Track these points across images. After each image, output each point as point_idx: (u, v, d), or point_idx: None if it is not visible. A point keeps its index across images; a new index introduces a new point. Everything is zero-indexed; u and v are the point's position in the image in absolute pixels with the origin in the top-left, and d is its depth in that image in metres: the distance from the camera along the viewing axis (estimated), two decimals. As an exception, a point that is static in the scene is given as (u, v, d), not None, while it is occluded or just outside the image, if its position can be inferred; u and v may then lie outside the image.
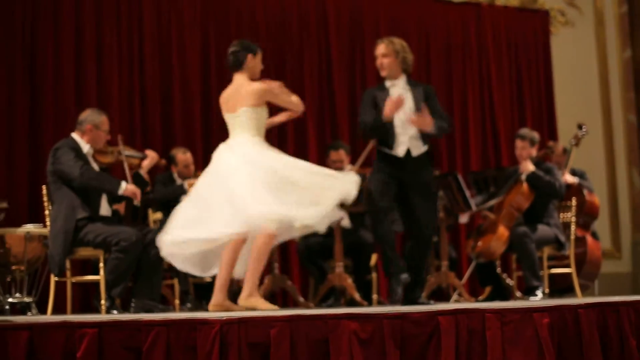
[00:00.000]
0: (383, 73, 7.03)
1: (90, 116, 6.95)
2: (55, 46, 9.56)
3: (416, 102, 6.92)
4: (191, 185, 8.29)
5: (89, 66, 9.64)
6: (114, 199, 6.98)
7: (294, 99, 6.62)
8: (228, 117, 6.44)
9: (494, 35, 11.63)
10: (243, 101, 6.32)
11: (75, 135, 6.88)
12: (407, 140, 6.89)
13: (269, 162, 6.19)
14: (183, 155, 8.81)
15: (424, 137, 6.93)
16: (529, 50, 11.81)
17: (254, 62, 6.50)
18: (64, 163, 6.64)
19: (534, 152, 8.23)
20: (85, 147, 6.86)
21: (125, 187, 6.77)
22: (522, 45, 11.73)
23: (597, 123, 11.99)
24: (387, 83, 7.04)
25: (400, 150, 6.89)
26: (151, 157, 7.29)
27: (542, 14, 12.03)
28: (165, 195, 8.47)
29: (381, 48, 7.03)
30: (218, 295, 6.13)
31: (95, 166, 6.92)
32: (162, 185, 8.63)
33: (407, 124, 6.85)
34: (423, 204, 6.93)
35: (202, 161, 9.58)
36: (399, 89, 6.96)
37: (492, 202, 8.25)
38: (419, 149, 6.93)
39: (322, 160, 9.92)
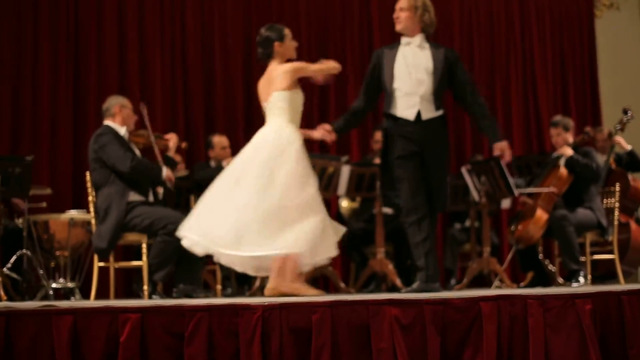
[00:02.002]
0: (398, 27, 6.55)
1: (113, 100, 7.05)
2: (98, 36, 9.64)
3: (435, 63, 6.44)
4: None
5: (132, 55, 9.72)
6: (154, 183, 7.04)
7: (327, 64, 6.48)
8: (264, 106, 6.44)
9: (537, 18, 11.53)
10: (274, 86, 6.30)
11: (108, 122, 6.93)
12: (418, 101, 6.42)
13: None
14: (219, 138, 8.85)
15: (437, 100, 6.48)
16: (573, 33, 11.70)
17: (283, 47, 6.44)
18: (112, 155, 6.68)
19: (569, 137, 8.19)
20: (122, 131, 6.91)
21: (165, 173, 6.84)
22: (566, 28, 11.62)
23: (642, 107, 11.88)
24: (403, 40, 6.54)
25: (410, 113, 6.41)
26: (172, 139, 7.32)
27: (587, -3, 11.94)
28: (205, 177, 8.51)
29: (402, 1, 6.58)
30: (274, 279, 6.03)
31: (136, 150, 6.97)
32: (200, 170, 8.68)
33: (418, 84, 6.41)
34: (437, 177, 6.54)
35: (243, 146, 9.63)
36: (413, 47, 6.53)
37: (532, 190, 8.20)
38: (431, 112, 6.45)
39: (364, 140, 9.95)
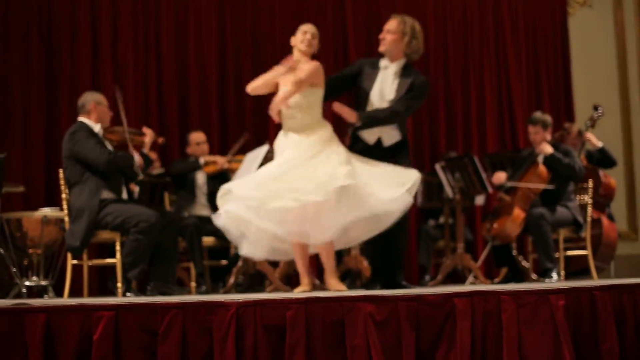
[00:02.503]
0: (381, 48, 6.61)
1: (89, 96, 6.99)
2: (72, 29, 9.59)
3: (397, 93, 6.52)
4: (208, 161, 8.35)
5: (105, 52, 9.67)
6: (127, 179, 7.01)
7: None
8: None
9: (511, 15, 11.56)
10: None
11: (83, 119, 6.89)
12: (380, 130, 6.54)
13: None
14: (195, 134, 8.84)
15: (401, 125, 6.57)
16: (546, 30, 11.74)
17: (295, 41, 6.73)
18: (88, 150, 6.64)
19: (548, 135, 8.20)
20: (97, 128, 6.87)
21: (137, 160, 6.82)
22: (540, 25, 11.66)
23: (614, 104, 11.92)
24: (382, 62, 6.63)
25: (371, 138, 6.57)
26: (149, 134, 7.28)
27: (560, -5, 11.99)
28: (181, 169, 8.51)
29: (391, 24, 6.63)
30: (305, 278, 6.32)
31: (109, 145, 6.94)
32: (176, 164, 8.68)
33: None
34: None
35: (218, 144, 9.62)
36: (390, 73, 6.57)
37: (509, 184, 8.22)
38: (392, 138, 6.58)
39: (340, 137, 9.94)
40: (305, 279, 6.34)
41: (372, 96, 6.54)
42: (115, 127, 7.12)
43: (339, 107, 6.47)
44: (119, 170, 6.77)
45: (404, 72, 6.57)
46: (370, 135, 6.55)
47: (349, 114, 6.44)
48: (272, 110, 6.33)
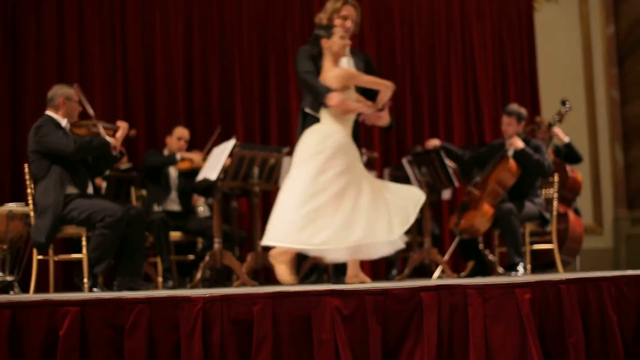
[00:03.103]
0: (346, 36, 6.45)
1: (59, 90, 6.90)
2: (37, 23, 9.53)
3: (358, 70, 6.51)
4: (185, 157, 8.32)
5: (71, 43, 9.61)
6: (95, 172, 6.95)
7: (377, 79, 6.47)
8: None
9: (477, 10, 11.61)
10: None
11: (50, 113, 6.83)
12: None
13: None
14: (182, 129, 8.80)
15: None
16: (512, 26, 11.79)
17: (329, 43, 6.43)
18: (55, 140, 6.58)
19: (520, 129, 8.23)
20: (63, 122, 6.81)
21: (110, 141, 6.74)
22: (506, 21, 11.71)
23: (580, 99, 12.01)
24: None
25: (347, 125, 6.38)
26: (123, 127, 7.22)
27: (526, -10, 12.04)
28: (157, 162, 8.46)
29: (353, 12, 6.66)
30: (352, 268, 6.37)
31: None
32: (152, 156, 8.62)
33: (349, 92, 6.36)
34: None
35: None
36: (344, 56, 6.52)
37: (477, 178, 8.25)
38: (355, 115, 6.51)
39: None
40: (353, 268, 6.44)
41: None
42: (83, 120, 7.06)
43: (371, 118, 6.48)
44: (93, 156, 6.71)
45: (352, 50, 6.58)
46: (346, 120, 6.39)
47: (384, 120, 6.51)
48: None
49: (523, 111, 8.34)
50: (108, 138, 6.75)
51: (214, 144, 8.57)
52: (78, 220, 6.53)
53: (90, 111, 6.98)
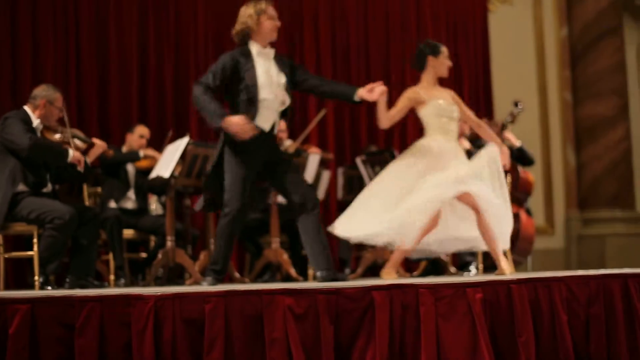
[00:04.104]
0: (274, 36, 6.43)
1: (45, 91, 6.81)
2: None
3: (285, 78, 6.43)
4: (147, 155, 8.27)
5: (24, 42, 9.53)
6: (57, 179, 6.88)
7: None
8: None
9: (432, 11, 11.66)
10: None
11: (27, 108, 6.75)
12: (274, 115, 6.39)
13: None
14: (143, 127, 8.73)
15: (283, 112, 6.49)
16: (467, 27, 11.86)
17: (436, 62, 6.89)
18: (13, 133, 6.48)
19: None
20: (36, 122, 6.71)
21: (72, 154, 6.64)
22: (461, 22, 11.78)
23: (533, 100, 12.11)
24: (257, 49, 6.39)
25: (267, 125, 6.35)
26: (98, 145, 7.16)
27: (481, -8, 12.11)
28: (120, 158, 8.39)
29: (273, 10, 6.49)
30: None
31: None
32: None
33: (277, 98, 6.37)
34: (297, 176, 6.54)
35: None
36: (267, 59, 6.41)
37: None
38: (278, 123, 6.52)
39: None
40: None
41: (260, 82, 6.31)
42: (59, 126, 6.97)
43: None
44: (48, 161, 6.61)
45: (276, 55, 6.50)
46: (267, 123, 6.38)
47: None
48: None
49: None
50: (71, 152, 6.64)
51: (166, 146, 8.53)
52: (27, 219, 6.45)
53: (66, 119, 6.92)
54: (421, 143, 6.91)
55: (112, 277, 7.98)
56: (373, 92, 6.47)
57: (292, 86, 6.50)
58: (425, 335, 4.66)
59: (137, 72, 10.04)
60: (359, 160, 8.94)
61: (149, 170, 8.29)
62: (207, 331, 4.34)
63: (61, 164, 6.66)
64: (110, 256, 8.01)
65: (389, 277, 6.52)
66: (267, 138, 6.37)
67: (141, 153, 8.35)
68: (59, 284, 6.81)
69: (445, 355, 4.67)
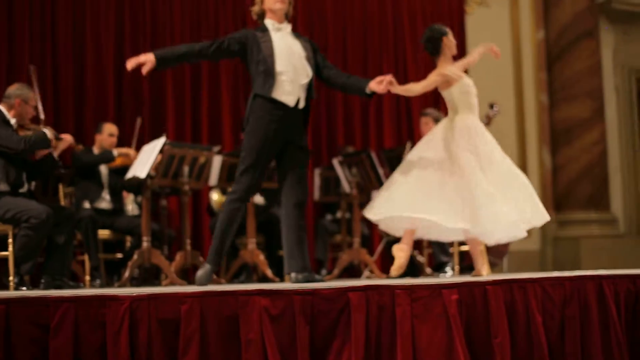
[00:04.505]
0: (279, 6, 6.37)
1: (19, 90, 6.82)
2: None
3: (306, 52, 6.41)
4: (121, 153, 8.23)
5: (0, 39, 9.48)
6: (32, 175, 6.86)
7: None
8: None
9: (409, 12, 11.68)
10: None
11: (2, 107, 6.75)
12: (297, 89, 6.30)
13: None
14: (110, 125, 8.69)
15: (310, 89, 6.40)
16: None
17: (449, 42, 6.87)
18: (4, 136, 6.51)
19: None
20: (12, 121, 6.73)
21: (50, 133, 6.65)
22: (438, 23, 11.78)
23: (509, 102, 12.15)
24: (272, 25, 6.39)
25: (290, 100, 6.26)
26: (66, 139, 7.16)
27: (458, -6, 12.14)
28: (95, 160, 8.35)
29: None
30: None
31: None
32: (85, 154, 8.49)
33: (301, 71, 6.33)
34: (304, 172, 6.45)
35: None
36: (285, 34, 6.40)
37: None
38: (305, 101, 6.37)
39: (236, 130, 9.91)
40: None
41: (277, 53, 6.29)
42: (32, 124, 6.96)
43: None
44: (35, 149, 6.62)
45: (294, 33, 6.50)
46: (290, 96, 6.28)
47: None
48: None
49: (439, 114, 8.49)
50: (48, 132, 6.65)
51: (138, 136, 8.49)
52: (3, 219, 6.43)
53: (42, 116, 6.91)
54: (456, 122, 6.79)
55: (87, 277, 7.96)
56: (382, 83, 6.39)
57: (314, 69, 6.45)
58: (401, 336, 4.66)
59: (113, 69, 9.99)
60: (335, 162, 8.95)
61: (122, 168, 8.27)
62: (182, 332, 4.33)
63: (47, 147, 6.67)
64: (86, 257, 7.98)
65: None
66: (292, 114, 6.29)
67: (115, 152, 8.31)
68: (34, 285, 6.78)
69: (420, 356, 4.68)
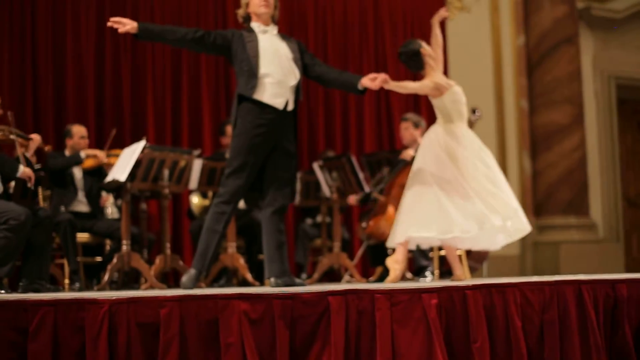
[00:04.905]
0: (264, 10, 6.41)
1: None
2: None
3: (294, 53, 6.44)
4: (88, 154, 8.19)
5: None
6: (4, 178, 6.83)
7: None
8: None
9: (390, 17, 11.70)
10: None
11: None
12: (285, 92, 6.31)
13: None
14: (79, 127, 8.64)
15: (298, 91, 6.42)
16: (425, 33, 11.82)
17: (427, 50, 7.02)
18: None
19: (417, 134, 8.33)
20: None
21: (23, 170, 6.62)
22: (418, 28, 11.80)
23: (489, 107, 12.18)
24: (258, 27, 6.44)
25: (279, 102, 6.27)
26: (36, 140, 7.13)
27: (438, -1, 12.16)
28: (64, 164, 8.32)
29: None
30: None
31: None
32: (55, 159, 8.46)
33: (288, 73, 6.35)
34: (290, 175, 6.47)
35: (94, 138, 9.47)
36: (271, 36, 6.44)
37: (382, 185, 8.31)
38: (293, 103, 6.39)
39: (216, 134, 9.89)
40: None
41: (262, 54, 6.31)
42: (1, 125, 6.93)
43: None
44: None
45: (281, 35, 6.54)
46: (278, 98, 6.29)
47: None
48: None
49: (419, 119, 8.53)
50: (21, 167, 6.61)
51: (109, 145, 8.46)
52: (-20, 222, 6.39)
53: (10, 118, 6.88)
54: (456, 130, 6.83)
55: (66, 281, 7.93)
56: (375, 80, 6.40)
57: (302, 70, 6.47)
58: (380, 341, 4.66)
59: (94, 75, 9.95)
60: (316, 166, 8.95)
61: (95, 170, 8.24)
62: (162, 336, 4.32)
63: (11, 177, 6.64)
64: (65, 260, 7.95)
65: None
66: (281, 117, 6.29)
67: (82, 154, 8.25)
68: (12, 288, 6.74)
69: (400, 360, 4.69)
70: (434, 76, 6.78)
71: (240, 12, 6.54)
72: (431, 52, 6.82)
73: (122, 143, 8.47)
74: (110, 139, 8.50)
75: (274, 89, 6.27)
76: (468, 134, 6.76)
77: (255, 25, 6.45)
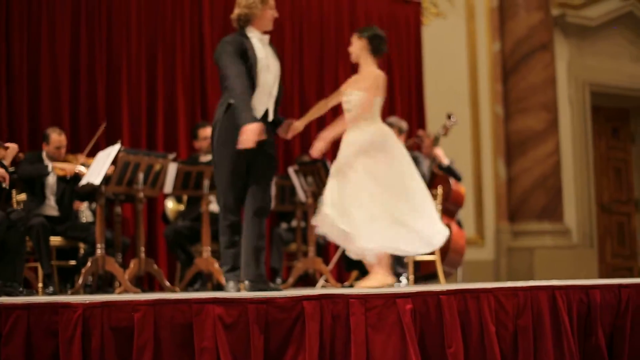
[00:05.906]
0: (271, 26, 6.56)
1: None
2: None
3: (279, 64, 6.56)
4: (57, 168, 8.12)
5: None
6: None
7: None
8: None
9: (367, 23, 11.70)
10: None
11: None
12: (268, 100, 6.44)
13: None
14: (58, 136, 8.54)
15: (278, 102, 6.52)
16: (400, 40, 11.93)
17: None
18: None
19: (401, 140, 8.33)
20: None
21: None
22: (394, 35, 11.83)
23: (465, 113, 12.22)
24: (254, 34, 6.49)
25: (260, 110, 6.36)
26: (12, 148, 7.07)
27: (415, 5, 12.16)
28: (30, 173, 8.25)
29: None
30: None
31: None
32: (29, 163, 8.38)
33: (274, 84, 6.44)
34: (270, 178, 6.54)
35: (69, 140, 9.39)
36: (265, 45, 6.49)
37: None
38: (274, 114, 6.51)
39: (191, 143, 9.87)
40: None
41: (260, 65, 6.37)
42: None
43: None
44: None
45: (270, 44, 6.59)
46: (259, 106, 6.37)
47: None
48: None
49: (403, 124, 8.49)
50: None
51: (99, 140, 8.42)
52: (-47, 225, 6.36)
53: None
54: (384, 131, 6.97)
55: (40, 285, 7.88)
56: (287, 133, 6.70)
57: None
58: (355, 345, 4.67)
59: (69, 75, 9.89)
60: (291, 170, 8.94)
61: (72, 177, 8.18)
62: (136, 340, 4.31)
63: None
64: (39, 263, 7.90)
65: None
66: (265, 124, 6.32)
67: (49, 168, 8.15)
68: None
69: (374, 365, 4.69)
70: (372, 68, 7.02)
71: (243, 14, 6.48)
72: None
73: (96, 146, 8.41)
74: (98, 134, 8.42)
75: (262, 98, 6.37)
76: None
77: (252, 32, 6.48)
